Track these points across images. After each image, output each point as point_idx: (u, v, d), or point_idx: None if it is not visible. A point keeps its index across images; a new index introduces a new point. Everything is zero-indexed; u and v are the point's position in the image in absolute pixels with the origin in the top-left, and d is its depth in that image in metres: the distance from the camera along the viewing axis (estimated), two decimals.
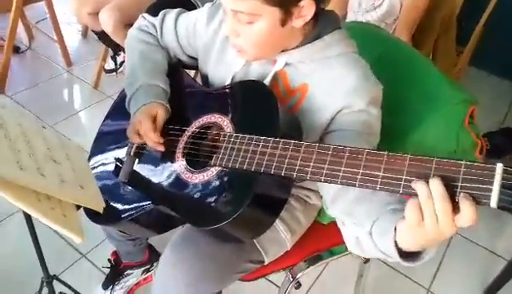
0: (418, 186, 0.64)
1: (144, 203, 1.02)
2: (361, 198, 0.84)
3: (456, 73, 2.34)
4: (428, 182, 0.63)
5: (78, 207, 0.82)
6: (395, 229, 0.72)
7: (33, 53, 2.90)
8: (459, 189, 0.62)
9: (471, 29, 2.23)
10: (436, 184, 0.62)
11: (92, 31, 2.43)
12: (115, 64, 2.58)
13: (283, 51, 0.97)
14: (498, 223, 2.02)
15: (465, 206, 0.60)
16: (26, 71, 2.80)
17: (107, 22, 2.06)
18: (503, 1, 2.11)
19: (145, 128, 1.01)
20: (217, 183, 0.91)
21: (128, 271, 1.59)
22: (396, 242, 0.72)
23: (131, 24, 1.26)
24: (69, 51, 2.79)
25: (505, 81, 2.97)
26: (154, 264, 1.60)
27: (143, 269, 1.60)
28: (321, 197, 1.16)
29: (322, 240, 1.23)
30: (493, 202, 0.61)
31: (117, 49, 2.52)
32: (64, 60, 2.79)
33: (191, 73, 2.12)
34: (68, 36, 2.80)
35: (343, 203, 0.88)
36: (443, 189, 0.62)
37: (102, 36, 2.34)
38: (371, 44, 1.24)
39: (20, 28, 2.83)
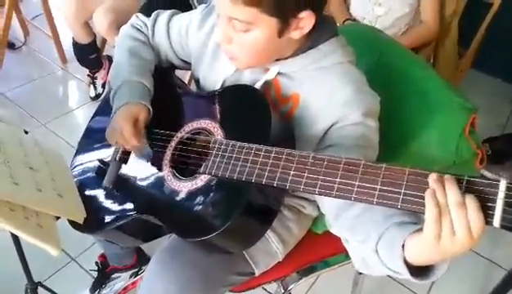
0: (430, 198, 0.61)
1: (129, 211, 0.97)
2: (363, 213, 0.80)
3: (458, 77, 2.30)
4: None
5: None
6: (403, 245, 0.68)
7: (28, 49, 2.86)
8: None
9: (473, 32, 2.18)
10: (453, 193, 0.59)
11: (74, 45, 2.39)
12: (95, 89, 2.54)
13: (276, 59, 0.93)
14: (497, 232, 1.97)
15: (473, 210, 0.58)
16: (21, 67, 2.75)
17: (101, 22, 2.04)
18: (505, 3, 2.07)
19: (126, 133, 0.96)
20: (206, 192, 0.87)
21: (116, 275, 1.55)
22: (405, 259, 0.68)
23: None
24: (64, 48, 2.74)
25: (507, 83, 2.90)
26: (143, 267, 1.56)
27: (131, 272, 1.56)
28: (318, 208, 1.13)
29: (316, 251, 1.19)
30: (496, 222, 0.59)
31: (94, 73, 2.51)
32: (59, 57, 2.75)
33: (187, 74, 2.09)
34: (64, 33, 2.74)
35: (345, 220, 0.83)
36: (461, 197, 0.59)
37: (84, 50, 2.36)
38: (370, 47, 1.20)
39: (16, 24, 2.79)
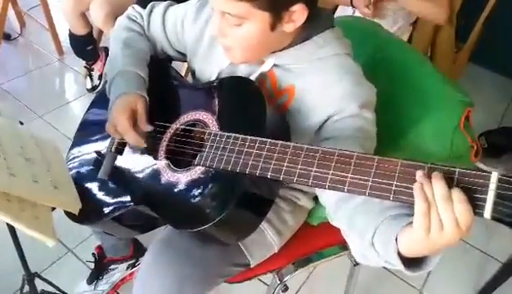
0: (418, 192, 0.61)
1: (124, 202, 0.97)
2: (361, 205, 0.80)
3: (455, 70, 2.30)
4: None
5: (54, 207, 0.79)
6: (397, 238, 0.69)
7: (24, 41, 2.84)
8: None
9: (471, 26, 2.18)
10: (439, 187, 0.60)
11: (70, 37, 2.38)
12: (91, 81, 2.53)
13: (272, 52, 0.93)
14: (492, 224, 1.99)
15: (459, 203, 0.59)
16: (17, 59, 2.75)
17: (98, 13, 2.03)
18: None
19: (122, 127, 0.96)
20: (201, 183, 0.87)
21: (113, 266, 1.56)
22: (399, 252, 0.69)
23: None
24: (61, 39, 2.73)
25: (504, 78, 2.90)
26: (140, 259, 1.56)
27: (128, 263, 1.57)
28: (313, 200, 1.14)
29: (312, 242, 1.19)
30: (487, 213, 0.60)
31: (90, 65, 2.50)
32: (56, 49, 2.73)
33: (184, 66, 2.09)
34: (60, 24, 2.73)
35: (344, 212, 0.84)
36: (447, 191, 0.59)
37: (80, 42, 2.35)
38: (367, 40, 1.20)
39: (12, 16, 2.77)
